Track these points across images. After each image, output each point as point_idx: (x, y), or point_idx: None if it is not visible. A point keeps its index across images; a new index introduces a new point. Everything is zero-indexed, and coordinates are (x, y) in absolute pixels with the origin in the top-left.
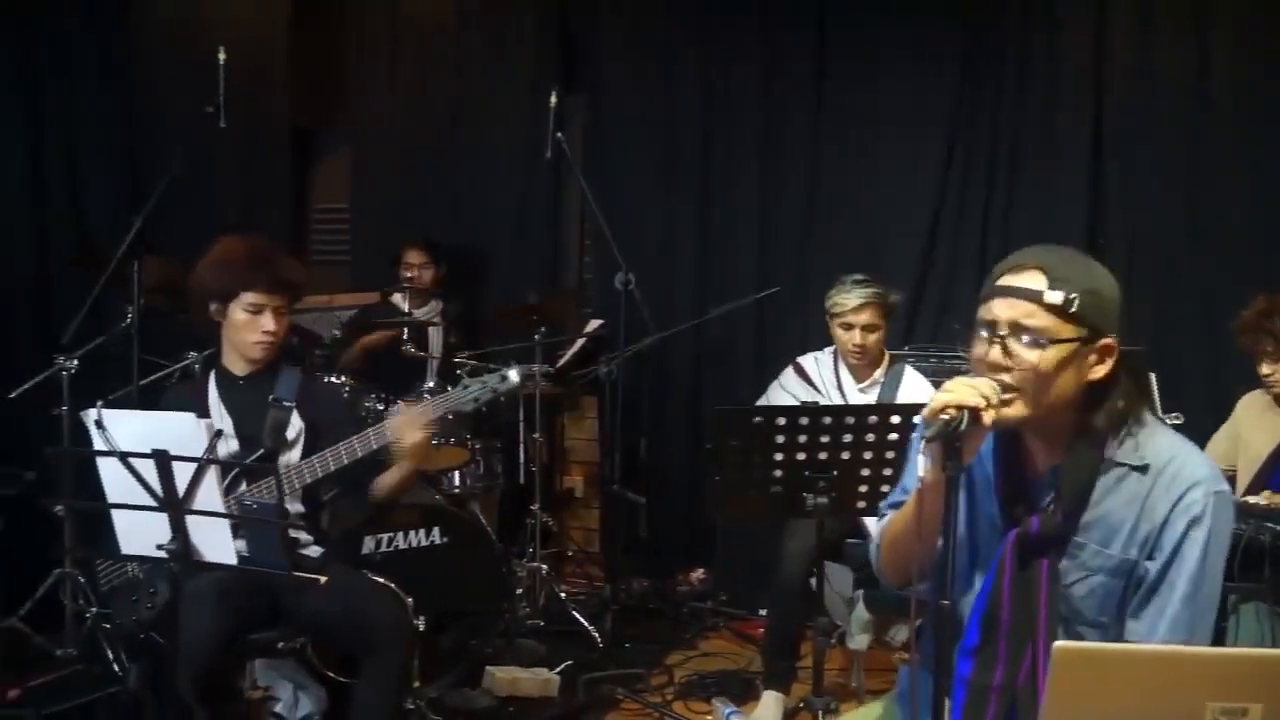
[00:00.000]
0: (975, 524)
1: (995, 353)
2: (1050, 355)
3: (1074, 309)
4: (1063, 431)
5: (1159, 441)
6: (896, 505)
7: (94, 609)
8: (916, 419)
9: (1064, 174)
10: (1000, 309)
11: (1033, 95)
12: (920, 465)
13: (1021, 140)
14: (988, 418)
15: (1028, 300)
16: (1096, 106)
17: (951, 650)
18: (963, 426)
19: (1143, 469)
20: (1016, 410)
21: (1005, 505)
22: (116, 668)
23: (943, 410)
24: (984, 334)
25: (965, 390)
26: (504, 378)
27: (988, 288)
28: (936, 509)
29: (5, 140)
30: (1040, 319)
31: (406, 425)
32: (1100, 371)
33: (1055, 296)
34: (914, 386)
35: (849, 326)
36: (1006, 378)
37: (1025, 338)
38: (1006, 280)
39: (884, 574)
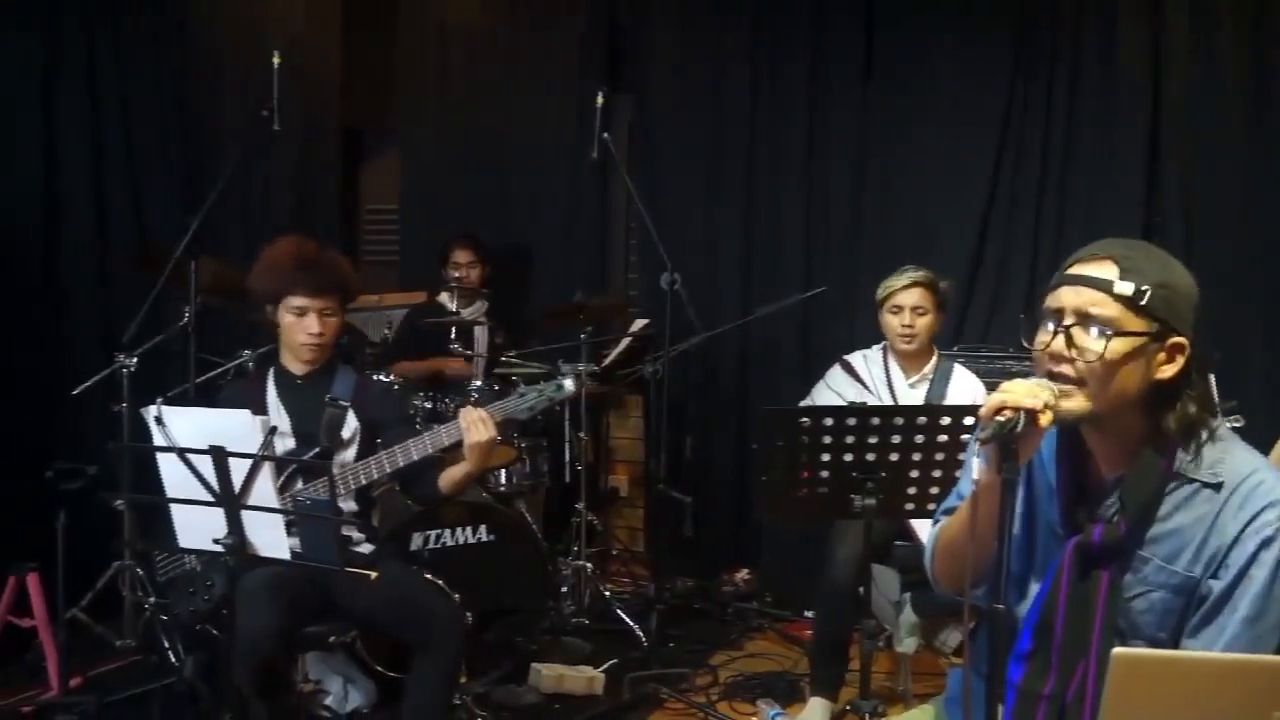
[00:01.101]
0: (1034, 529)
1: (1059, 342)
2: (1116, 346)
3: (1144, 301)
4: (1129, 435)
5: (1237, 458)
6: (951, 511)
7: (152, 599)
8: (969, 420)
9: (1119, 173)
10: (1068, 297)
11: (1086, 92)
12: (975, 467)
13: (1075, 138)
14: (1045, 419)
15: (1097, 289)
16: (1153, 104)
17: (1005, 656)
18: (1019, 428)
19: (1216, 486)
20: (1076, 404)
21: (1066, 512)
22: (173, 658)
23: (999, 411)
24: (1049, 323)
25: (1022, 391)
26: (560, 386)
27: (1057, 277)
28: (991, 512)
29: (70, 144)
30: (1108, 309)
31: (475, 425)
32: (1169, 371)
33: (1125, 287)
34: (964, 383)
35: (898, 309)
36: (1069, 369)
37: (1091, 328)
38: (1077, 269)
39: (937, 580)
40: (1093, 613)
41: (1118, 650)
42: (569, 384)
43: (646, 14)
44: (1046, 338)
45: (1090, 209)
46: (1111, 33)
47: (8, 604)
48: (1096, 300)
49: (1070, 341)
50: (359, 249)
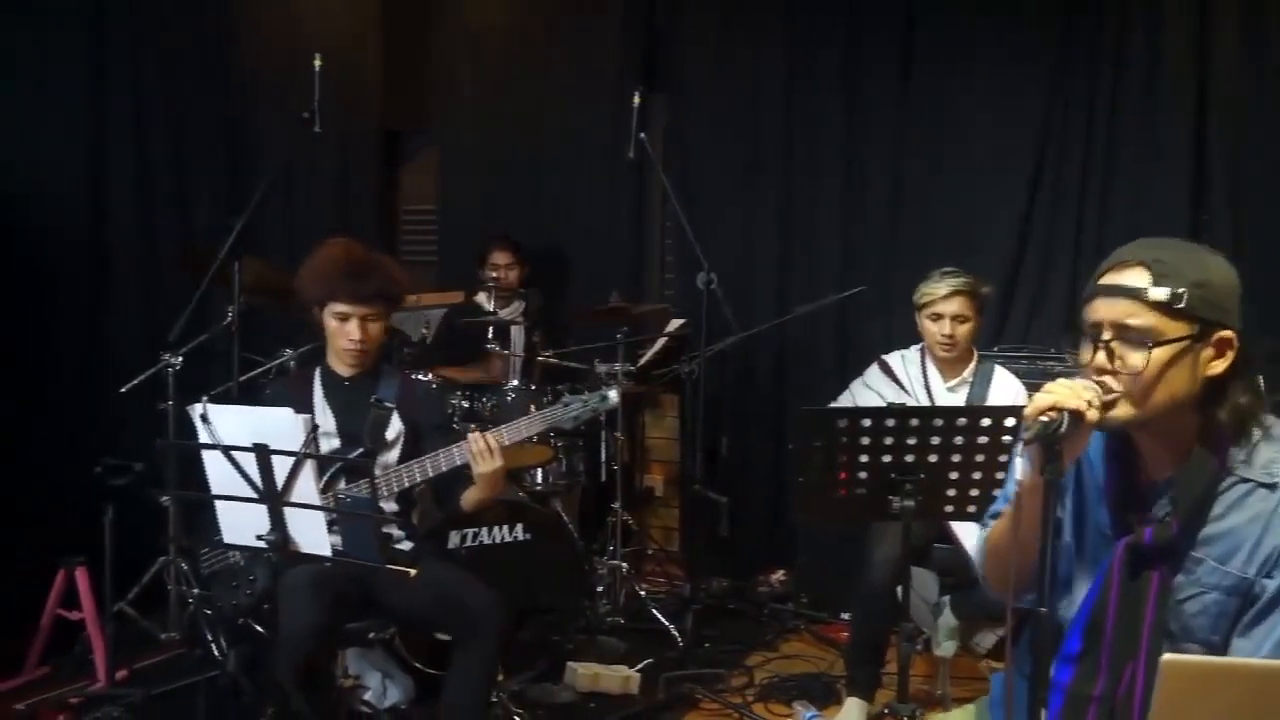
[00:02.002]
0: (1082, 530)
1: (1101, 357)
2: (1159, 356)
3: (1182, 304)
4: (1180, 435)
5: None
6: (998, 515)
7: (196, 590)
8: (1010, 421)
9: (1164, 170)
10: (1103, 309)
11: (1131, 87)
12: (1019, 468)
13: (1119, 134)
14: (1090, 419)
15: (1130, 299)
16: (1199, 98)
17: (1050, 659)
18: (1063, 429)
19: (1271, 486)
20: (1122, 411)
21: (1115, 513)
22: (216, 652)
23: (1042, 412)
24: (1089, 337)
25: (1066, 392)
26: (604, 398)
27: (1090, 288)
28: (1035, 514)
29: (116, 147)
30: (1144, 318)
31: (480, 455)
32: (1219, 366)
33: (1160, 293)
34: (1004, 386)
35: (938, 317)
36: (1113, 382)
37: (1131, 339)
38: (1108, 279)
39: (988, 583)
40: (1143, 614)
41: (1167, 657)
42: (613, 395)
43: (682, 13)
44: (1088, 353)
45: (1135, 207)
46: (1157, 26)
47: (57, 597)
48: (1132, 310)
49: (1112, 355)
50: (397, 249)
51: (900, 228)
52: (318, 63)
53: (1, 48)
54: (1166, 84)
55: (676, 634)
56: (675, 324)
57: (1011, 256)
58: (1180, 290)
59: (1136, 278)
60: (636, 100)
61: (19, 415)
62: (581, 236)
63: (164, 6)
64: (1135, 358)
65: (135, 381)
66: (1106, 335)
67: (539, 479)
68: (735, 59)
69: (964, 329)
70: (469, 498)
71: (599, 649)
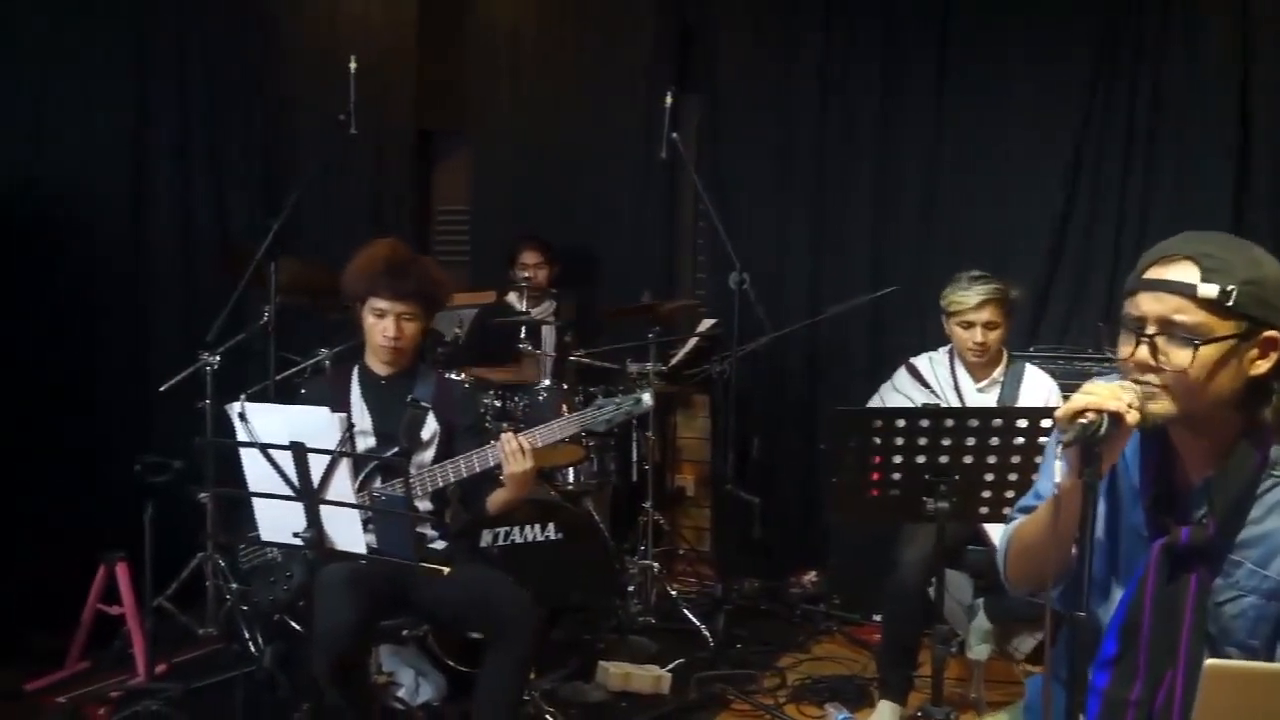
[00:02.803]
0: (1117, 531)
1: (1143, 352)
2: (1205, 354)
3: (1232, 302)
4: (1221, 434)
5: None
6: (1028, 510)
7: (234, 585)
8: (1046, 422)
9: (1206, 166)
10: (1148, 304)
11: (1171, 83)
12: (1056, 471)
13: (1159, 131)
14: (1130, 421)
15: (1179, 295)
16: (1240, 101)
17: (1087, 663)
18: (1102, 431)
19: None
20: (1162, 407)
21: (1151, 514)
22: (253, 647)
23: (1081, 413)
24: (1131, 332)
25: (1106, 393)
26: (638, 401)
27: (1134, 281)
28: (1073, 517)
29: (156, 149)
30: (1193, 315)
31: (511, 457)
32: (1264, 366)
33: (1210, 290)
34: (1036, 385)
35: (969, 325)
36: (1154, 379)
37: (1177, 336)
38: (1154, 273)
39: (1010, 580)
40: (1181, 617)
41: (1211, 662)
42: (647, 398)
43: (715, 14)
44: (1129, 348)
45: (1176, 205)
46: (1197, 23)
47: (98, 592)
48: (1179, 307)
49: (1155, 351)
50: (430, 249)
51: (934, 227)
52: (353, 65)
53: (47, 46)
54: (1208, 82)
55: (708, 634)
56: (707, 324)
57: (1048, 256)
58: (1231, 288)
59: (1185, 273)
60: (669, 100)
61: (62, 414)
62: (613, 236)
63: (205, 8)
64: (1180, 355)
65: (174, 380)
66: (1150, 330)
67: (570, 478)
68: (768, 58)
69: (994, 335)
70: (496, 499)
71: (630, 648)
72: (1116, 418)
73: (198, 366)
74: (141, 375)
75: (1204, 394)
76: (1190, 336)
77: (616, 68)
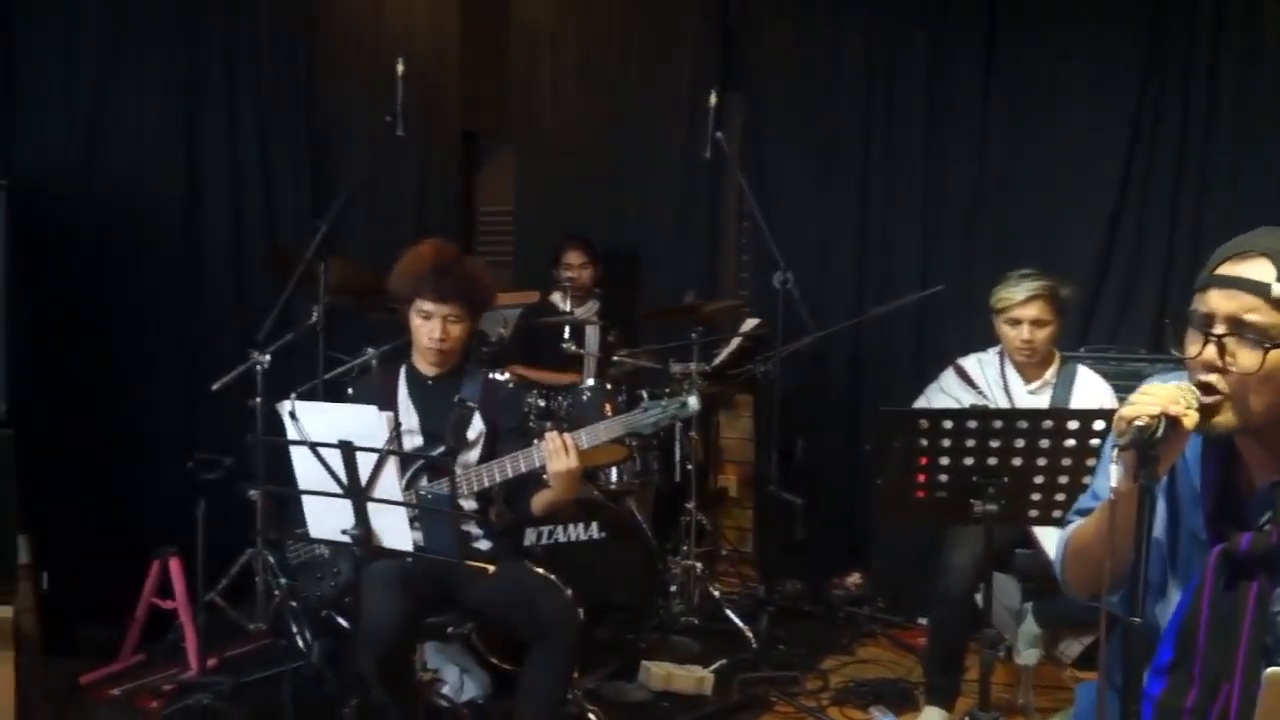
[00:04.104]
0: (1176, 535)
1: (1210, 352)
2: (1275, 358)
3: None
4: None
5: None
6: (1084, 512)
7: (283, 581)
8: (1098, 424)
9: (1266, 160)
10: (1219, 301)
11: (1229, 73)
12: (1112, 475)
13: (1216, 122)
14: (1188, 424)
15: (1252, 293)
16: None
17: (1141, 670)
18: (1159, 434)
19: None
20: (1225, 419)
21: (1211, 519)
22: (301, 643)
23: (1137, 416)
24: (1199, 329)
25: (1164, 395)
26: (684, 404)
27: (1205, 276)
28: (1129, 520)
29: (209, 151)
30: (1265, 315)
31: (555, 455)
32: None
33: None
34: (1089, 387)
35: (1016, 322)
36: (1220, 380)
37: (1247, 337)
38: (1227, 269)
39: (1068, 584)
40: (1239, 626)
41: (1271, 670)
42: (693, 402)
43: (758, 11)
44: (1196, 347)
45: (1233, 202)
46: (1255, 13)
47: (152, 586)
48: (1252, 306)
49: (1223, 351)
50: (474, 250)
51: (981, 226)
52: (400, 68)
53: (104, 50)
54: (1266, 77)
55: (750, 635)
56: (750, 323)
57: (1099, 255)
58: None
59: (1260, 270)
60: (713, 99)
61: (117, 412)
62: (656, 236)
63: (254, 13)
64: (1248, 358)
65: (226, 379)
66: (1219, 330)
67: (613, 478)
68: (813, 56)
69: (1043, 333)
70: (541, 499)
71: (673, 649)
72: (1174, 421)
73: (248, 366)
74: (193, 374)
75: (1269, 398)
76: (1260, 338)
77: (659, 68)
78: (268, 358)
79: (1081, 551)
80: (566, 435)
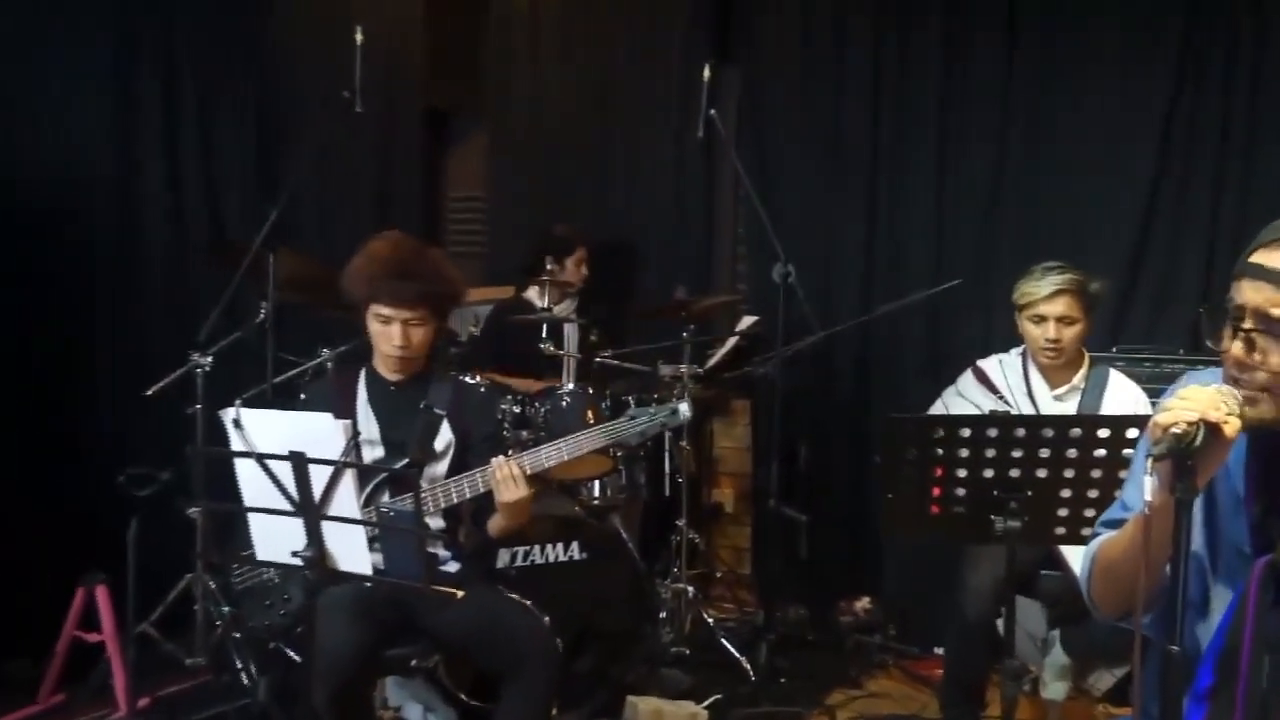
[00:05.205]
0: (1217, 546)
1: (1238, 347)
2: None
3: None
4: None
5: None
6: (1114, 523)
7: (226, 609)
8: (1131, 432)
9: None
10: (1248, 293)
11: (1272, 64)
12: (1146, 487)
13: (1260, 103)
14: (1230, 431)
15: (1278, 286)
16: None
17: (1180, 701)
18: (1197, 443)
19: None
20: (1262, 411)
21: (1256, 528)
22: (246, 679)
23: (1174, 423)
24: (1231, 322)
25: (1203, 400)
26: (674, 411)
27: (1240, 263)
28: (1164, 537)
29: (141, 129)
30: None
31: (504, 485)
32: None
33: None
34: (1122, 392)
35: (1040, 319)
36: (1252, 377)
37: (1275, 331)
38: (1260, 257)
39: (1094, 603)
40: None
41: None
42: (684, 409)
43: None
44: (1229, 340)
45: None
46: None
47: (75, 618)
48: (1278, 299)
49: (1251, 348)
50: (442, 240)
51: (1002, 215)
52: (359, 37)
53: (29, 25)
54: None
55: (748, 667)
56: (747, 321)
57: (1132, 248)
58: None
59: None
60: (706, 73)
61: (36, 420)
62: (644, 225)
63: None
64: (1278, 354)
65: (162, 383)
66: (1249, 324)
67: (596, 492)
68: (817, 25)
69: (1071, 332)
70: (495, 524)
71: (662, 682)
72: (1214, 429)
73: (188, 368)
74: (126, 378)
75: None
76: None
77: (648, 37)
78: (209, 359)
79: (1110, 568)
80: (513, 463)
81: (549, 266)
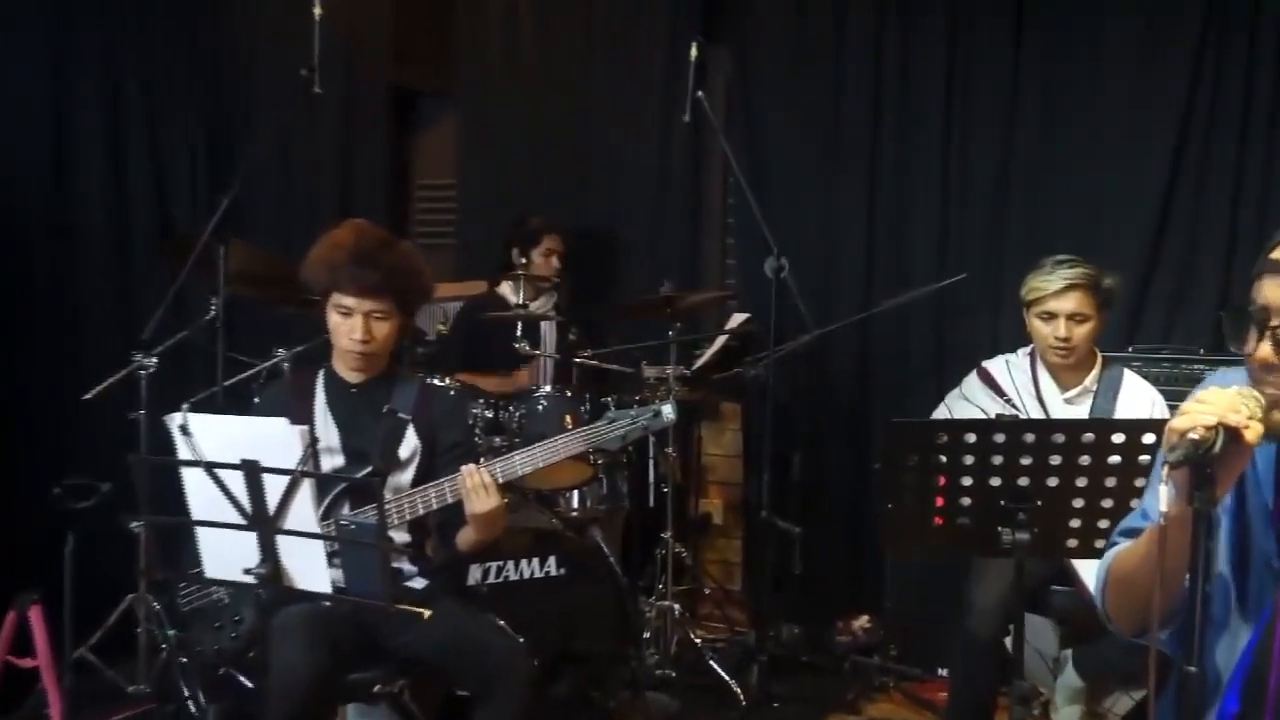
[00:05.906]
0: (1245, 560)
1: (1265, 349)
2: None
3: None
4: None
5: None
6: (1132, 532)
7: (171, 633)
8: (1148, 437)
9: None
10: (1270, 291)
11: None
12: (1163, 496)
13: None
14: (1251, 436)
15: None
16: None
17: None
18: (1216, 449)
19: None
20: None
21: None
22: (193, 708)
23: (1191, 428)
24: (1256, 322)
25: (1223, 403)
26: (657, 414)
27: (1261, 261)
28: (1182, 549)
29: (80, 110)
30: None
31: (474, 494)
32: None
33: None
34: (1136, 394)
35: (1050, 316)
36: (1277, 379)
37: None
38: None
39: (1109, 617)
40: None
41: None
42: (668, 411)
43: None
44: (1253, 341)
45: None
46: None
47: (7, 642)
48: None
49: (1278, 347)
50: (409, 230)
51: (1011, 205)
52: (318, 10)
53: None
54: None
55: (739, 690)
56: (738, 319)
57: (1148, 242)
58: None
59: None
60: (694, 51)
61: None
62: (627, 215)
63: None
64: None
65: (102, 386)
66: (1274, 322)
67: (575, 503)
68: (813, 6)
69: (1082, 330)
70: (465, 538)
71: (647, 708)
72: (1234, 433)
73: (130, 370)
74: (63, 380)
75: None
76: None
77: (631, 14)
78: (154, 360)
79: (1126, 581)
80: (484, 470)
81: (516, 259)
